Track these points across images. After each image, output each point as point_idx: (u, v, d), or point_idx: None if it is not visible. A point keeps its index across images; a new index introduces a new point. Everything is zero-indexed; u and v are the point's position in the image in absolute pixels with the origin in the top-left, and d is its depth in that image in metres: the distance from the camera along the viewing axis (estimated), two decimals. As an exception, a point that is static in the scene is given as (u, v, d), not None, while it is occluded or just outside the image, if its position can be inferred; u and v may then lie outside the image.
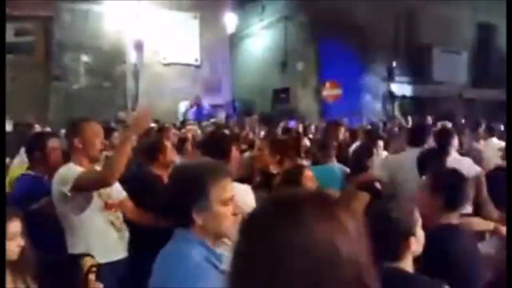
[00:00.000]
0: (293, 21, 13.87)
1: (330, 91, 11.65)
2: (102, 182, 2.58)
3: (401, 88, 13.25)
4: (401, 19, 13.63)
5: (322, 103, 12.41)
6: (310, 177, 2.74)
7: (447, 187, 2.34)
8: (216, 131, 5.31)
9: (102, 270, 2.39)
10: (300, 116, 11.86)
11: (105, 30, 10.88)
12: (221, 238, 1.58)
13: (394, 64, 13.06)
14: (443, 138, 4.13)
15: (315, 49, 12.96)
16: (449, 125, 6.16)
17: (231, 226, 1.56)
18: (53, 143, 3.18)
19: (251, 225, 0.76)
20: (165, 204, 1.61)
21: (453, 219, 2.22)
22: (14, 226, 1.99)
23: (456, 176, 2.43)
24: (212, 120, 10.53)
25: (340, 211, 0.74)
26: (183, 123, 8.30)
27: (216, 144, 2.75)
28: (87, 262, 2.40)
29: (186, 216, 1.49)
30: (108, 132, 5.49)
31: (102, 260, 2.48)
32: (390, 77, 13.15)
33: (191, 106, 11.06)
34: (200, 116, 10.87)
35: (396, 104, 12.96)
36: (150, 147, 3.48)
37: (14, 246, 1.99)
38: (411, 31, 13.75)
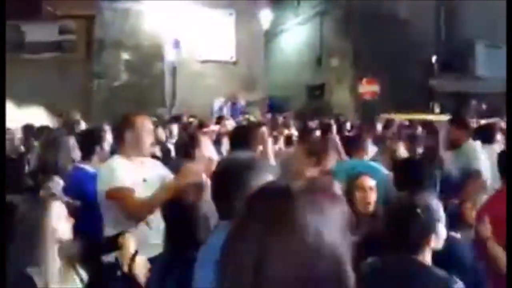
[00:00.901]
0: (329, 16, 13.71)
1: (367, 88, 11.42)
2: (132, 215, 2.66)
3: (442, 84, 12.83)
4: (443, 13, 13.20)
5: (358, 100, 12.20)
6: (366, 185, 2.68)
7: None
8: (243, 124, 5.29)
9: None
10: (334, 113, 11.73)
11: (144, 28, 11.12)
12: None
13: (434, 59, 12.66)
14: (488, 133, 4.02)
15: (351, 45, 12.76)
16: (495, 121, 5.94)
17: None
18: (110, 138, 3.34)
19: (252, 207, 0.84)
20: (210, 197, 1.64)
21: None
22: (59, 207, 2.06)
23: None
24: (247, 116, 10.60)
25: (328, 202, 0.82)
26: (220, 119, 8.38)
27: (241, 136, 2.76)
28: (124, 240, 2.44)
29: (230, 209, 1.51)
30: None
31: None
32: (430, 73, 12.77)
33: (226, 103, 11.16)
34: (235, 113, 10.95)
35: (437, 100, 12.56)
36: (187, 141, 3.53)
37: (65, 225, 2.06)
38: (453, 25, 13.29)
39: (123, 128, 2.80)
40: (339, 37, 13.23)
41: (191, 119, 8.07)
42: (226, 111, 10.79)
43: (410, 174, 2.45)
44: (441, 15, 13.27)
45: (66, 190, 3.14)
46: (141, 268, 2.32)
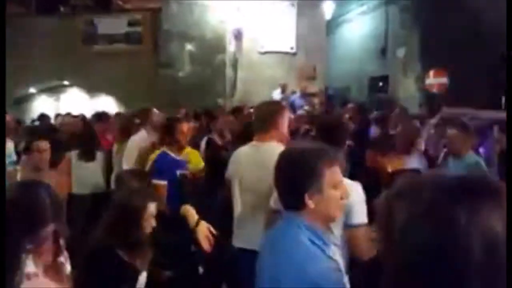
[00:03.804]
0: (395, 5, 13.17)
1: (435, 80, 10.83)
2: None
3: (517, 77, 11.92)
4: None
5: (425, 93, 11.65)
6: None
7: None
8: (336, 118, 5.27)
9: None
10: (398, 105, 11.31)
11: (208, 21, 11.33)
12: (329, 222, 1.61)
13: (506, 51, 11.75)
14: None
15: (418, 35, 12.20)
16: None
17: (339, 210, 1.61)
18: (182, 127, 3.80)
19: None
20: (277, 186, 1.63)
21: None
22: (153, 208, 2.27)
23: None
24: (305, 108, 10.51)
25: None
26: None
27: (332, 133, 2.74)
28: (186, 210, 2.60)
29: (299, 199, 1.51)
30: (210, 118, 5.83)
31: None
32: (502, 66, 11.89)
33: (283, 94, 11.12)
34: (292, 104, 10.90)
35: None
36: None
37: (149, 226, 2.26)
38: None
39: (276, 116, 2.88)
40: (406, 26, 12.69)
41: (251, 110, 8.15)
42: (283, 102, 10.75)
43: None
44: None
45: (155, 172, 3.56)
46: (203, 234, 2.46)
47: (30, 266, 1.65)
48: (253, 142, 2.94)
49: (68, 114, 8.54)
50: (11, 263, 1.58)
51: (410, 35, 12.48)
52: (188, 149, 4.14)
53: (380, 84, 13.82)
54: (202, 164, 4.32)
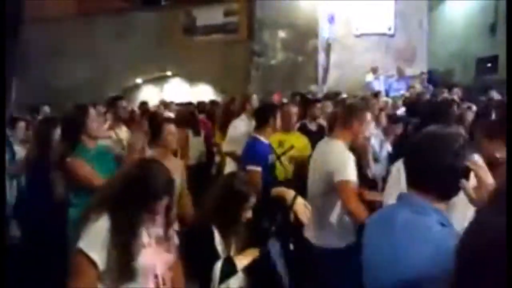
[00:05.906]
0: (508, -25, 11.86)
1: (555, 58, 9.60)
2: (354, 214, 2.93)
3: None
4: None
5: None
6: None
7: None
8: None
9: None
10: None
11: (301, 6, 11.27)
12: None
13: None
14: None
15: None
16: None
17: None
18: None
19: None
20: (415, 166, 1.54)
21: None
22: (253, 201, 2.35)
23: None
24: (403, 92, 10.01)
25: None
26: (376, 95, 8.11)
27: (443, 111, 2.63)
28: (280, 190, 2.65)
29: (424, 179, 1.46)
30: (309, 103, 5.85)
31: None
32: None
33: (376, 78, 10.69)
34: (388, 88, 10.44)
35: None
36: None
37: (245, 217, 2.34)
38: None
39: (353, 115, 2.98)
40: (520, -2, 11.39)
41: (344, 96, 8.01)
42: (375, 86, 10.34)
43: None
44: None
45: (248, 158, 3.66)
46: (302, 208, 2.49)
47: (144, 236, 1.84)
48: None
49: (172, 102, 9.16)
50: (129, 233, 1.77)
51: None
52: (295, 133, 4.29)
53: (489, 65, 12.62)
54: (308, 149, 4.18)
